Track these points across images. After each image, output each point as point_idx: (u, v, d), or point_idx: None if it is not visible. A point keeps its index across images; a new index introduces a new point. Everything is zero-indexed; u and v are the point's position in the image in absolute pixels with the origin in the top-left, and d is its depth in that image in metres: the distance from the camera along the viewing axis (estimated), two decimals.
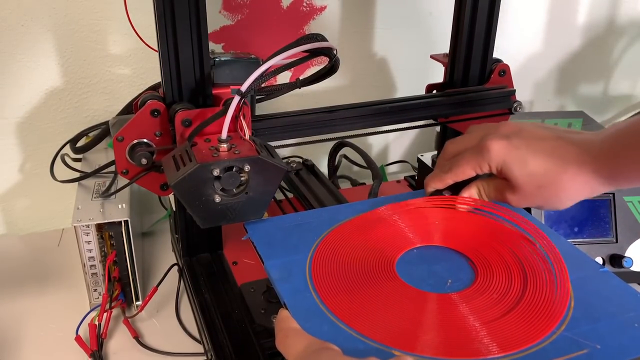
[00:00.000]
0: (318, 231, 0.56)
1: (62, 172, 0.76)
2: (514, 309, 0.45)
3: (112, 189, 0.69)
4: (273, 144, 0.59)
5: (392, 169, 1.04)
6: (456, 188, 0.59)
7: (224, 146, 0.52)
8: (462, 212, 0.58)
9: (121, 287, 0.67)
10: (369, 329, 0.43)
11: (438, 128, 0.79)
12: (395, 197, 0.64)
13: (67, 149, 0.80)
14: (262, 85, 0.55)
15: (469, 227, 0.56)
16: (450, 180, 0.58)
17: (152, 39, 0.60)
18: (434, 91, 0.72)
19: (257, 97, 0.63)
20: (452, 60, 0.71)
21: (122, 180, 0.71)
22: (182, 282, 0.70)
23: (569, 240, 0.58)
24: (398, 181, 0.88)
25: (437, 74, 0.76)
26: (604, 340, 0.42)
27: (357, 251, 0.53)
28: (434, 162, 0.81)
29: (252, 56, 0.62)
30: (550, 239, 0.53)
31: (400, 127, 0.68)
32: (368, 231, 0.56)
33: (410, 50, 0.98)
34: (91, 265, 0.67)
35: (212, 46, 0.84)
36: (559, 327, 0.43)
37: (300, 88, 0.57)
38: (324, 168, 0.90)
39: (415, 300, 0.47)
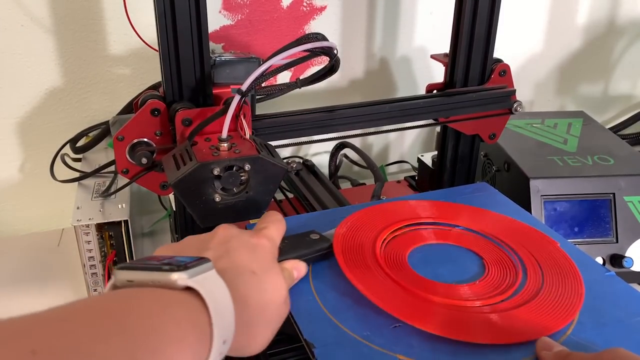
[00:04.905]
0: None
1: (62, 172, 0.76)
2: (521, 308, 0.45)
3: (112, 189, 0.69)
4: (273, 144, 0.58)
5: (392, 169, 1.04)
6: None
7: (224, 145, 0.52)
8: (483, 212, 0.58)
9: None
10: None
11: (438, 128, 0.79)
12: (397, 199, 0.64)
13: (67, 149, 0.80)
14: (262, 85, 0.55)
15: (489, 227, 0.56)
16: None
17: (153, 38, 0.60)
18: (434, 91, 0.72)
19: (257, 97, 0.63)
20: (452, 60, 0.71)
21: (122, 180, 0.71)
22: None
23: (569, 240, 0.58)
24: (398, 181, 0.88)
25: (437, 74, 0.76)
26: (611, 345, 0.41)
27: (360, 252, 0.52)
28: (434, 162, 0.80)
29: (252, 56, 0.62)
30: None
31: (400, 127, 0.68)
32: (371, 233, 0.56)
33: (410, 50, 0.98)
34: (91, 265, 0.67)
35: (212, 46, 0.84)
36: (565, 331, 0.43)
37: (300, 88, 0.57)
38: (324, 168, 0.90)
39: (419, 301, 0.47)
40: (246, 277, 0.40)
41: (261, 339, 0.40)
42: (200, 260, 0.36)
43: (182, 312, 0.33)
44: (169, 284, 0.34)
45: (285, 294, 0.42)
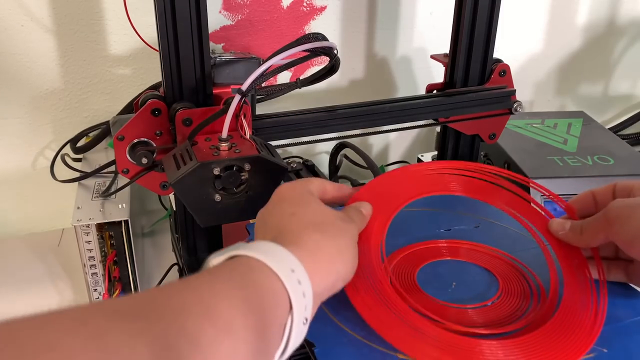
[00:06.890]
0: None
1: (62, 172, 0.76)
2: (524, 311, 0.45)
3: (112, 189, 0.69)
4: (273, 144, 0.59)
5: (392, 169, 1.04)
6: None
7: (225, 145, 0.52)
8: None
9: (121, 287, 0.67)
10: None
11: (438, 128, 0.79)
12: None
13: (67, 149, 0.80)
14: (263, 85, 0.55)
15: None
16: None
17: (153, 38, 0.60)
18: (434, 91, 0.72)
19: (257, 97, 0.63)
20: (452, 60, 0.71)
21: (122, 180, 0.71)
22: None
23: None
24: None
25: (437, 74, 0.76)
26: (611, 344, 0.41)
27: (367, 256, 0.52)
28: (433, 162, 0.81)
29: (252, 56, 0.62)
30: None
31: (400, 127, 0.68)
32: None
33: (411, 50, 0.98)
34: (91, 265, 0.67)
35: (212, 46, 0.84)
36: None
37: (300, 88, 0.57)
38: (324, 168, 0.90)
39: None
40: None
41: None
42: None
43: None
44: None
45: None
